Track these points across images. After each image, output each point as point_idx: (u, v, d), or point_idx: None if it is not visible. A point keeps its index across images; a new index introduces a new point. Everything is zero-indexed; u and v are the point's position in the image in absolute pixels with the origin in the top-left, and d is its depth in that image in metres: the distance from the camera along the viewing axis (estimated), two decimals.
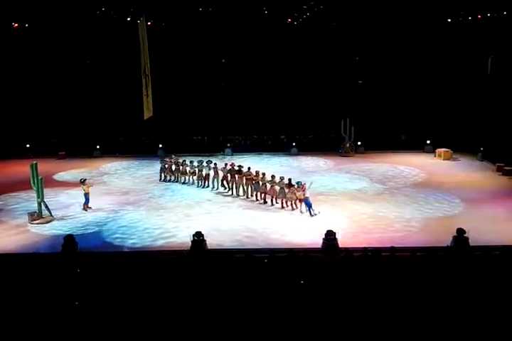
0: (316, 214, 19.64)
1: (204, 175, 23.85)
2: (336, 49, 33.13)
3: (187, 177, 24.56)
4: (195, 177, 24.26)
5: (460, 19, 30.63)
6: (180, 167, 24.65)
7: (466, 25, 30.42)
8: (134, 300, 11.77)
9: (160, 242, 17.59)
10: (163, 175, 25.20)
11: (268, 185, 21.28)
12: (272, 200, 21.19)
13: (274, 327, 10.65)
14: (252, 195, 22.04)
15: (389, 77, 33.34)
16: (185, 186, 24.29)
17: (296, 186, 20.21)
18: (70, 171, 27.32)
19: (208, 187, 23.78)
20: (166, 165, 24.99)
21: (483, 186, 23.45)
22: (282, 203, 20.80)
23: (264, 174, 21.63)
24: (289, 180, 20.69)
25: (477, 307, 11.26)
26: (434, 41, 31.48)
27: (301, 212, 20.12)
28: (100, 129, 31.76)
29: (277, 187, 21.04)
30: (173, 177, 24.97)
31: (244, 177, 22.21)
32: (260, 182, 21.57)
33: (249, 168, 22.64)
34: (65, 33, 31.16)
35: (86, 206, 20.83)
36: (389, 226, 18.66)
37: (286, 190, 20.53)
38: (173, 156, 25.49)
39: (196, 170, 24.04)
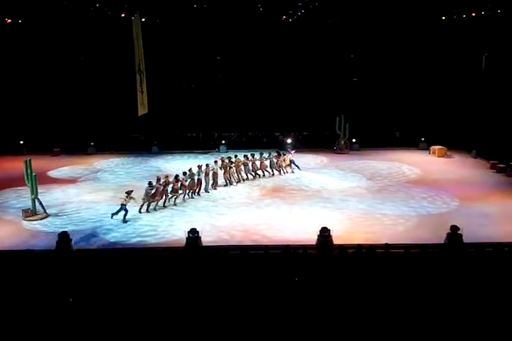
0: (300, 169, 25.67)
1: (196, 180, 21.92)
2: (330, 46, 33.17)
3: (180, 194, 21.17)
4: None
5: (454, 17, 30.73)
6: (172, 184, 20.70)
7: (460, 23, 30.52)
8: (128, 297, 11.76)
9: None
10: (151, 205, 20.03)
11: (258, 163, 24.46)
12: (263, 172, 24.85)
13: (269, 323, 10.67)
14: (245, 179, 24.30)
15: (384, 75, 33.41)
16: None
17: (282, 154, 25.27)
18: (64, 168, 27.23)
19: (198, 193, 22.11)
20: (153, 191, 19.98)
21: (477, 183, 23.54)
22: (273, 172, 25.06)
23: (253, 155, 24.50)
24: (277, 152, 25.49)
25: (471, 303, 11.33)
26: (429, 39, 31.57)
27: (293, 172, 25.41)
28: (95, 126, 31.68)
29: (267, 162, 24.81)
30: (160, 202, 20.48)
31: (238, 165, 23.84)
32: (250, 163, 24.23)
33: (235, 156, 24.41)
34: (59, 29, 31.07)
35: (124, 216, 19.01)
36: (383, 223, 18.71)
37: (275, 160, 24.90)
38: (160, 177, 20.97)
39: (189, 180, 21.53)
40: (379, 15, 31.21)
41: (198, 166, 22.35)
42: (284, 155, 25.40)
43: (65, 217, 19.81)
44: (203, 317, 10.93)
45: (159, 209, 20.30)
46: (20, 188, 22.34)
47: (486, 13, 28.73)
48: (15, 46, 31.39)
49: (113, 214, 19.20)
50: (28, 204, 19.95)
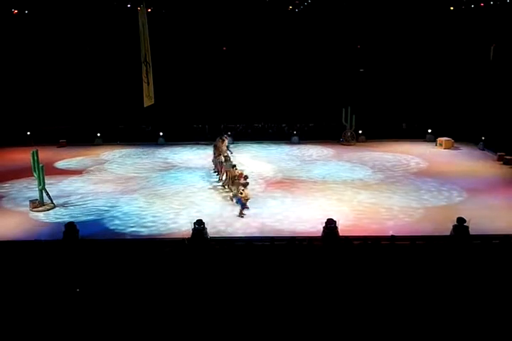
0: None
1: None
2: (337, 37, 32.94)
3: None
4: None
5: (463, 7, 30.45)
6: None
7: (468, 13, 30.24)
8: (134, 288, 11.83)
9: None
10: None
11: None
12: None
13: (274, 315, 10.71)
14: None
15: (391, 66, 33.19)
16: (186, 173, 24.34)
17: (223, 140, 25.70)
18: (71, 159, 27.32)
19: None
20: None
21: (484, 175, 23.45)
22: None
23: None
24: (220, 137, 25.83)
25: (477, 295, 11.32)
26: (437, 29, 31.30)
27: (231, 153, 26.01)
28: (101, 117, 31.70)
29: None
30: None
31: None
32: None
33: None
34: (65, 19, 30.99)
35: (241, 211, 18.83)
36: (389, 214, 18.70)
37: (220, 145, 25.14)
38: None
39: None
40: (386, 5, 30.97)
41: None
42: (224, 140, 25.85)
43: (71, 207, 19.92)
44: (209, 307, 10.99)
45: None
46: (27, 179, 22.44)
47: (494, 3, 28.44)
48: (21, 37, 31.37)
49: (241, 209, 18.78)
50: (36, 195, 20.06)
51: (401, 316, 10.66)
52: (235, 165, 21.17)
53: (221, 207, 19.68)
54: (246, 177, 19.74)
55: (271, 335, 10.24)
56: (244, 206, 18.87)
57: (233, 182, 20.25)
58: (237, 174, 20.13)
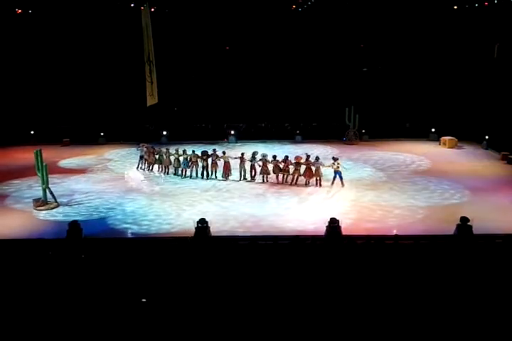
0: None
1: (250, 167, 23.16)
2: (340, 36, 32.91)
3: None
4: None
5: (466, 6, 30.39)
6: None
7: (472, 12, 30.18)
8: (138, 286, 11.85)
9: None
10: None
11: None
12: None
13: (277, 314, 10.71)
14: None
15: (394, 65, 33.15)
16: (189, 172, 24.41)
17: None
18: (74, 158, 27.39)
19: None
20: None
21: (487, 174, 23.41)
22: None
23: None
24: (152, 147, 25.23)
25: (480, 295, 11.31)
26: (441, 28, 31.24)
27: None
28: (105, 116, 31.77)
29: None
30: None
31: None
32: None
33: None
34: (69, 19, 31.05)
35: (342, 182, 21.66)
36: (393, 214, 18.68)
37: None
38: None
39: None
40: (390, 4, 30.94)
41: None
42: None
43: (75, 206, 19.97)
44: (212, 306, 11.00)
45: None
46: (31, 178, 22.49)
47: (498, 2, 28.37)
48: (25, 36, 31.44)
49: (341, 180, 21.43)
50: (39, 193, 20.11)
51: (405, 315, 10.64)
52: (275, 156, 22.54)
53: (224, 206, 19.70)
54: (317, 158, 21.90)
55: (274, 334, 10.24)
56: (341, 176, 21.42)
57: (295, 169, 22.06)
58: (299, 160, 22.02)
